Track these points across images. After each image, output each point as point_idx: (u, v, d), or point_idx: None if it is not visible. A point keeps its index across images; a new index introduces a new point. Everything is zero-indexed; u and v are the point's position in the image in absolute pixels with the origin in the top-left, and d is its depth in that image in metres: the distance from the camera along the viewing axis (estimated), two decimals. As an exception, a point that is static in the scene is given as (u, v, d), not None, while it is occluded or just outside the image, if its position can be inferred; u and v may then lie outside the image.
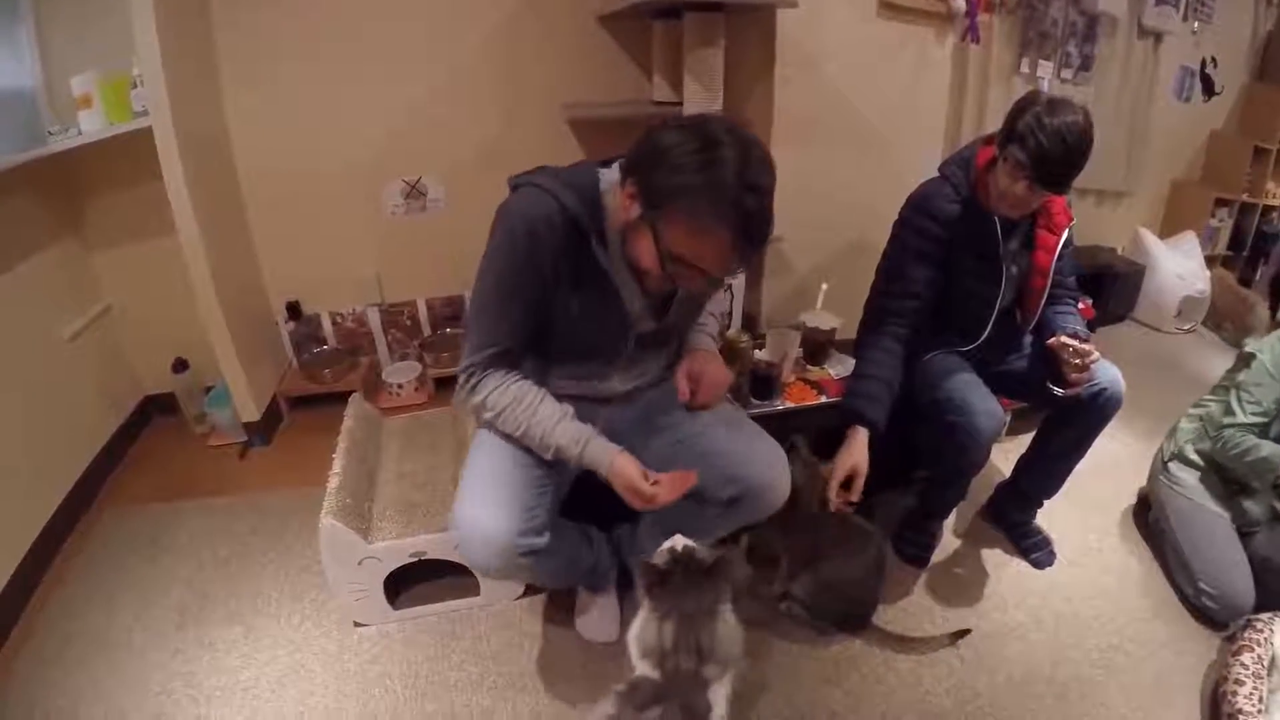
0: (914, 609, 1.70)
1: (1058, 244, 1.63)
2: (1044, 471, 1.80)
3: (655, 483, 1.22)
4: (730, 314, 2.07)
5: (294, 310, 2.32)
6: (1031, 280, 1.68)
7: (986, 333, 1.70)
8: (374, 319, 2.41)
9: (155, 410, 2.38)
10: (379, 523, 1.57)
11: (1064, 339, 1.55)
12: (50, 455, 1.93)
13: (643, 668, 1.11)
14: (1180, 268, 2.81)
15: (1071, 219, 1.65)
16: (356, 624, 1.63)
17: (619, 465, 1.22)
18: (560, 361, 1.33)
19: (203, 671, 1.53)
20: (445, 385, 2.41)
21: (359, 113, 2.15)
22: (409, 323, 2.46)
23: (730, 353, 1.76)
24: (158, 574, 1.79)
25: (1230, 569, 1.65)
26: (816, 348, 1.82)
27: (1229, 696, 1.45)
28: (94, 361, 2.15)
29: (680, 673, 1.07)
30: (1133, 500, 2.05)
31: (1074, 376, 1.54)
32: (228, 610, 1.68)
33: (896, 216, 1.70)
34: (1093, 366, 1.54)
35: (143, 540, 1.90)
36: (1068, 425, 1.69)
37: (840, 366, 1.84)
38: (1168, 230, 2.94)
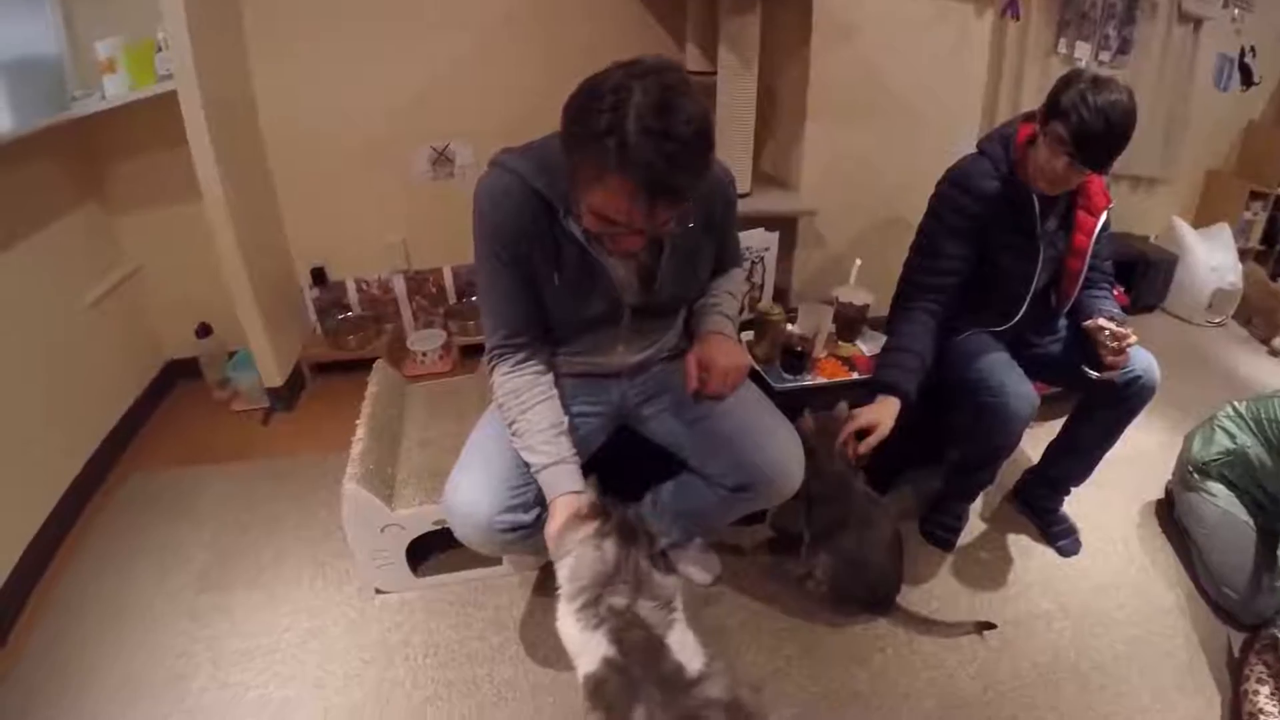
0: (939, 592, 1.68)
1: (1096, 226, 1.60)
2: (1074, 458, 1.77)
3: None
4: (762, 286, 2.04)
5: (319, 276, 2.31)
6: (1068, 262, 1.65)
7: (1021, 313, 1.67)
8: (399, 286, 2.40)
9: (178, 375, 2.39)
10: (402, 490, 1.56)
11: (1101, 321, 1.53)
12: (73, 420, 1.93)
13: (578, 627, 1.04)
14: (1213, 259, 2.75)
15: (1110, 201, 1.62)
16: (378, 591, 1.63)
17: (557, 506, 1.17)
18: (563, 338, 1.32)
19: (223, 636, 1.54)
20: (471, 353, 2.40)
21: (387, 78, 2.13)
22: (434, 290, 2.45)
23: (762, 325, 1.74)
24: (179, 538, 1.80)
25: (1253, 573, 1.61)
26: (849, 324, 1.79)
27: (1250, 695, 1.43)
28: (117, 327, 2.15)
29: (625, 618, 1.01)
30: (1158, 493, 2.02)
31: (1110, 360, 1.52)
32: (248, 576, 1.69)
33: (933, 192, 1.67)
34: (1129, 351, 1.52)
35: (164, 505, 1.91)
36: (1100, 411, 1.66)
37: (872, 343, 1.81)
38: (1201, 221, 2.88)
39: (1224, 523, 1.70)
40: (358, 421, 1.68)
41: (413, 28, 2.09)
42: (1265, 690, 1.44)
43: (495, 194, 1.14)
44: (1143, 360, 1.58)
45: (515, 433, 1.23)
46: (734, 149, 2.02)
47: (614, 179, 0.96)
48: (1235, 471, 1.73)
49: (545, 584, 1.65)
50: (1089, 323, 1.55)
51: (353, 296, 2.39)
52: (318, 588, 1.66)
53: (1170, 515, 1.94)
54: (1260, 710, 1.40)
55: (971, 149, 1.64)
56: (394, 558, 1.58)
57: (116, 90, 1.86)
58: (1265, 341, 2.76)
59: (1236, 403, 1.83)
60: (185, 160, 1.87)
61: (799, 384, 1.70)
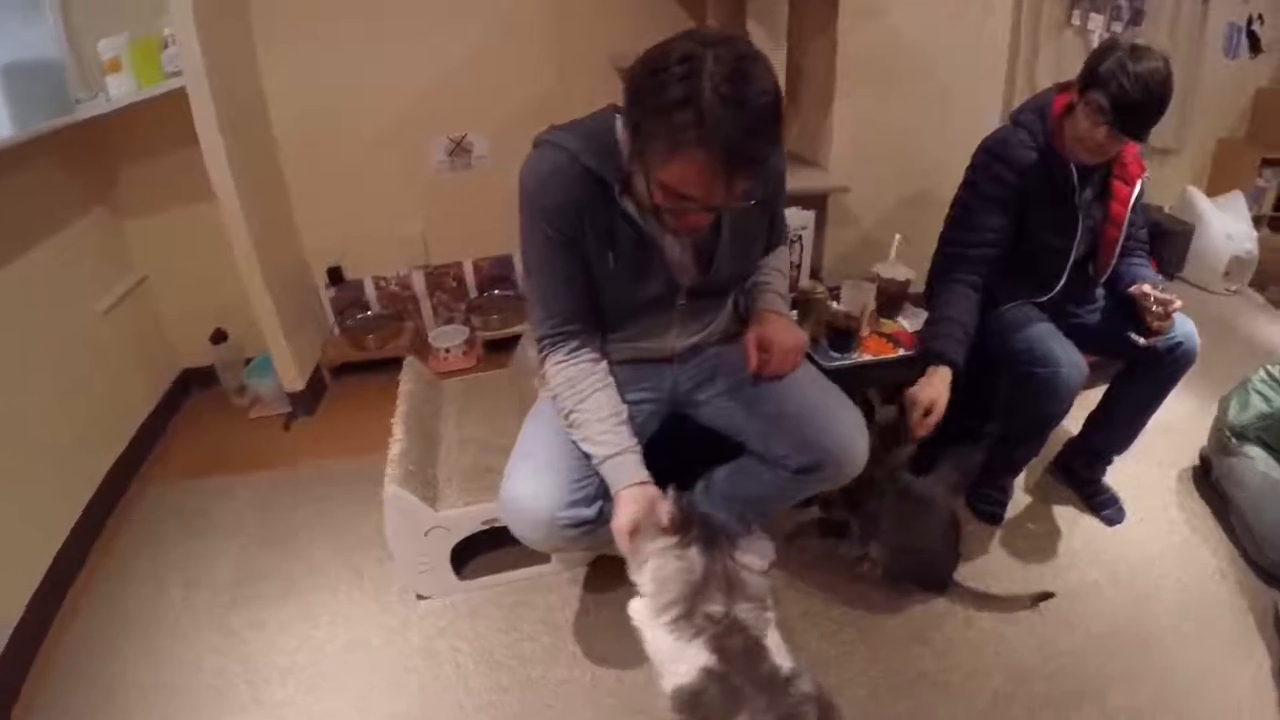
0: (991, 566, 1.67)
1: (1131, 195, 1.60)
2: (1116, 427, 1.77)
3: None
4: (800, 265, 2.01)
5: (335, 275, 2.26)
6: (1106, 231, 1.64)
7: (1061, 284, 1.65)
8: (418, 282, 2.35)
9: (194, 383, 2.33)
10: (445, 490, 1.52)
11: (1146, 288, 1.54)
12: (88, 433, 1.87)
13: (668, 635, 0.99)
14: (1229, 227, 2.76)
15: (1145, 170, 1.62)
16: (419, 596, 1.59)
17: (623, 498, 1.11)
18: (615, 323, 1.27)
19: (258, 653, 1.49)
20: (495, 348, 2.36)
21: (399, 68, 2.08)
22: (455, 285, 2.40)
23: (805, 305, 1.71)
24: (204, 552, 1.75)
25: None
26: (891, 300, 1.77)
27: None
28: (130, 335, 2.09)
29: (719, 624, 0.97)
30: (1193, 460, 2.02)
31: (1157, 325, 1.53)
32: (280, 588, 1.64)
33: (968, 164, 1.66)
34: (1173, 316, 1.52)
35: (187, 517, 1.85)
36: (1142, 379, 1.66)
37: (914, 319, 1.79)
38: (1214, 189, 2.89)
39: (1264, 486, 1.70)
40: (393, 420, 1.63)
41: (425, 16, 2.04)
42: None
43: (544, 173, 1.10)
44: (1184, 326, 1.58)
45: (573, 424, 1.19)
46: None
47: (691, 153, 0.91)
48: (1273, 434, 1.73)
49: (595, 580, 1.62)
50: (1135, 288, 1.55)
51: (371, 295, 2.34)
52: (355, 597, 1.61)
53: (1207, 481, 1.95)
54: None
55: (996, 123, 1.64)
56: (437, 561, 1.54)
57: (122, 90, 1.80)
58: (1276, 304, 2.78)
59: (1270, 366, 1.83)
60: (196, 161, 1.82)
61: (848, 362, 1.68)
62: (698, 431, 1.40)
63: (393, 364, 2.18)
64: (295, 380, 2.11)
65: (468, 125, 2.18)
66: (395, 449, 1.53)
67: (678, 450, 1.37)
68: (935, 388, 1.50)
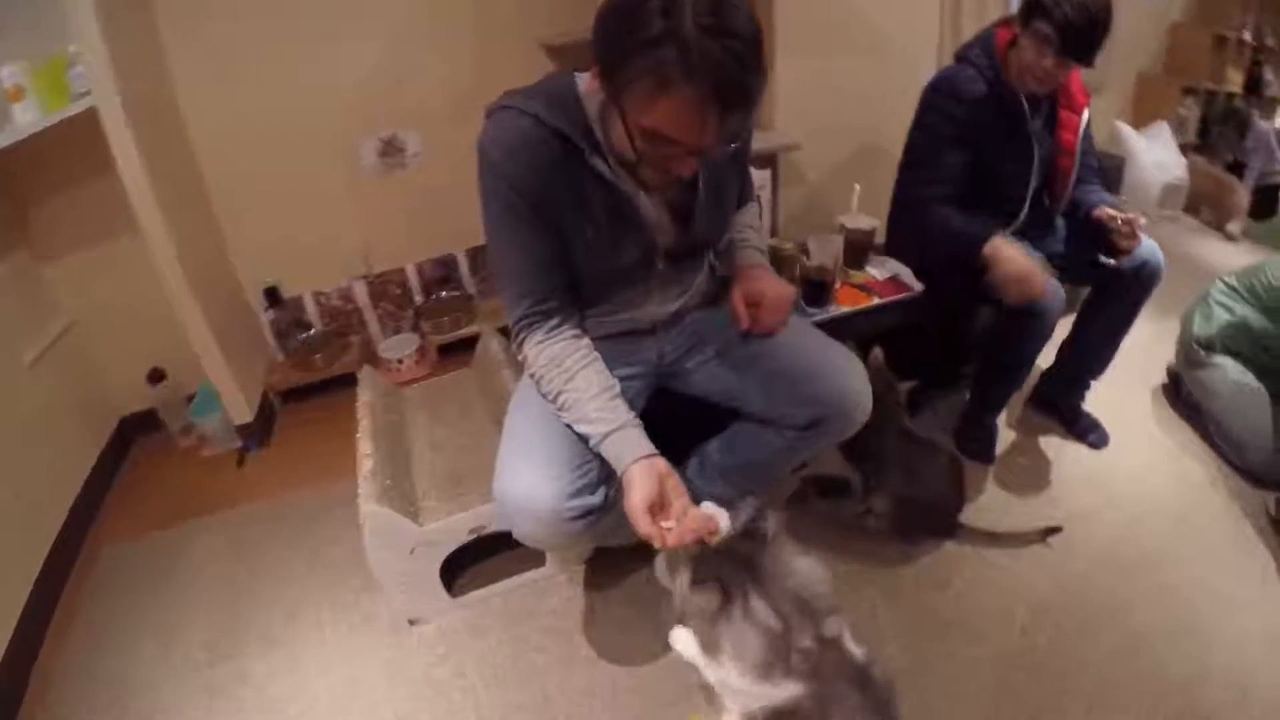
0: (990, 504, 1.66)
1: (1080, 123, 1.63)
2: (1091, 352, 1.79)
3: (667, 523, 0.98)
4: (763, 225, 1.96)
5: (273, 295, 2.13)
6: (1059, 161, 1.67)
7: (1024, 214, 1.67)
8: (361, 293, 2.23)
9: (136, 430, 2.16)
10: (426, 502, 1.43)
11: (1110, 211, 1.56)
12: (28, 499, 1.70)
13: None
14: (1157, 156, 2.86)
15: (1090, 97, 1.65)
16: (412, 622, 1.48)
17: (634, 474, 1.00)
18: (592, 295, 1.20)
19: (249, 710, 1.37)
20: (448, 352, 2.26)
21: (319, 68, 1.95)
22: (399, 292, 2.29)
23: (777, 262, 1.67)
24: (174, 608, 1.61)
25: (1276, 435, 1.67)
26: (857, 250, 1.76)
27: None
28: (61, 386, 1.91)
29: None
30: (1161, 379, 2.07)
31: (1125, 244, 1.55)
32: (261, 635, 1.52)
33: (919, 106, 1.66)
34: (1139, 234, 1.54)
35: (149, 574, 1.71)
36: (1112, 302, 1.68)
37: (880, 268, 1.78)
38: (1139, 122, 2.97)
39: (1238, 392, 1.74)
40: (358, 436, 1.53)
41: (342, 12, 1.93)
42: None
43: (509, 141, 1.00)
44: (1147, 245, 1.60)
45: (563, 405, 1.10)
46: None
47: (680, 89, 0.84)
48: (1239, 342, 1.77)
49: (595, 577, 1.55)
50: (1098, 212, 1.57)
51: (312, 312, 2.21)
52: (342, 633, 1.50)
53: (1179, 397, 1.99)
54: None
55: (933, 70, 1.65)
56: (427, 580, 1.44)
57: (28, 119, 1.63)
58: (1219, 228, 2.88)
59: (1225, 278, 1.88)
60: (112, 190, 1.67)
61: (826, 315, 1.65)
62: (681, 406, 1.34)
63: (343, 382, 2.09)
64: (243, 412, 1.98)
65: (396, 123, 2.07)
66: (366, 466, 1.43)
67: (660, 428, 1.30)
68: (1013, 253, 1.48)
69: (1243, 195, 2.82)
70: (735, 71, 0.83)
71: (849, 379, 1.21)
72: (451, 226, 2.15)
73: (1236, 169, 2.93)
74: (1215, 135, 3.07)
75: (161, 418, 2.07)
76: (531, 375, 1.14)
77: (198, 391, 2.03)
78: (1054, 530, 1.56)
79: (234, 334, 2.02)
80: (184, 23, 1.85)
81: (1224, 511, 1.65)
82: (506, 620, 1.47)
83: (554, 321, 1.12)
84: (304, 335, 2.20)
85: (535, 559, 1.52)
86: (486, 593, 1.52)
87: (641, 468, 1.01)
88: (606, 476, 1.12)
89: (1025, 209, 1.66)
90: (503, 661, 1.39)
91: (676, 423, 1.31)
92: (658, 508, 0.99)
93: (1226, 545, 1.56)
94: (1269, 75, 2.80)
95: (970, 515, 1.59)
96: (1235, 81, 2.89)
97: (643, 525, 0.97)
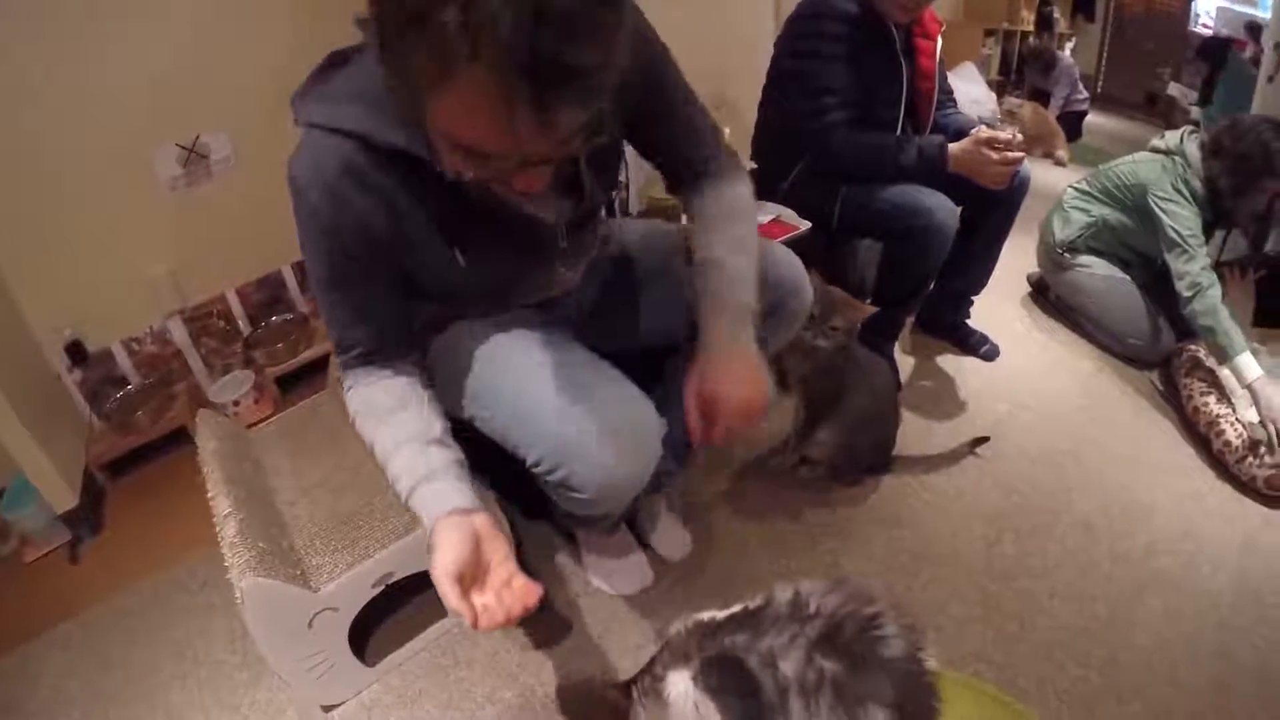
0: (912, 432, 1.65)
1: (935, 49, 1.67)
2: (973, 267, 1.84)
3: (481, 598, 0.76)
4: (628, 186, 1.82)
5: (76, 352, 1.68)
6: (920, 85, 1.68)
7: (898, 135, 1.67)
8: (178, 331, 1.82)
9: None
10: (314, 559, 1.14)
11: (985, 131, 1.55)
12: None
13: None
14: (970, 94, 3.10)
15: (942, 25, 1.68)
16: (325, 709, 1.19)
17: (439, 533, 0.77)
18: (486, 308, 1.01)
19: None
20: (290, 383, 1.92)
21: (96, 69, 1.52)
22: (223, 325, 1.90)
23: (660, 212, 1.56)
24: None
25: (1149, 319, 1.82)
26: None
27: (1201, 409, 1.60)
28: None
29: None
30: (1025, 289, 2.22)
31: (1012, 158, 1.54)
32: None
33: (789, 36, 1.63)
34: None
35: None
36: (988, 216, 1.72)
37: (760, 212, 1.72)
38: (947, 65, 3.22)
39: (1109, 286, 1.88)
40: (210, 495, 1.20)
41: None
42: (1212, 399, 1.59)
43: (327, 178, 0.77)
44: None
45: (378, 459, 0.88)
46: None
47: (467, 74, 0.58)
48: (1101, 239, 1.91)
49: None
50: (979, 132, 1.56)
51: (125, 364, 1.77)
52: None
53: (1047, 301, 2.13)
54: (1218, 416, 1.55)
55: (771, 20, 1.62)
56: (335, 655, 1.15)
57: None
58: (1048, 155, 3.18)
59: (1075, 184, 2.02)
60: None
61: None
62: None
63: (175, 440, 1.75)
64: (66, 497, 1.54)
65: (198, 124, 1.69)
66: (230, 529, 1.11)
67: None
68: (968, 143, 1.50)
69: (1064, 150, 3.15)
70: (543, 38, 0.55)
71: (791, 262, 1.11)
72: (273, 240, 1.80)
73: (1039, 99, 3.26)
74: (1025, 70, 3.39)
75: (-33, 524, 1.56)
76: (351, 423, 0.91)
77: (7, 485, 1.57)
78: (982, 440, 1.58)
79: (38, 406, 1.57)
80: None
81: (1119, 394, 1.77)
82: (439, 677, 1.22)
83: (373, 364, 0.90)
84: (120, 394, 1.77)
85: (439, 611, 1.26)
86: (406, 652, 1.25)
87: (449, 525, 0.78)
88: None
89: (898, 132, 1.66)
90: (450, 724, 1.15)
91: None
92: (470, 577, 0.76)
93: (1131, 422, 1.68)
94: (1056, 14, 3.18)
95: (898, 446, 1.57)
96: (1029, 21, 3.22)
97: (450, 598, 0.73)
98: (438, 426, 0.88)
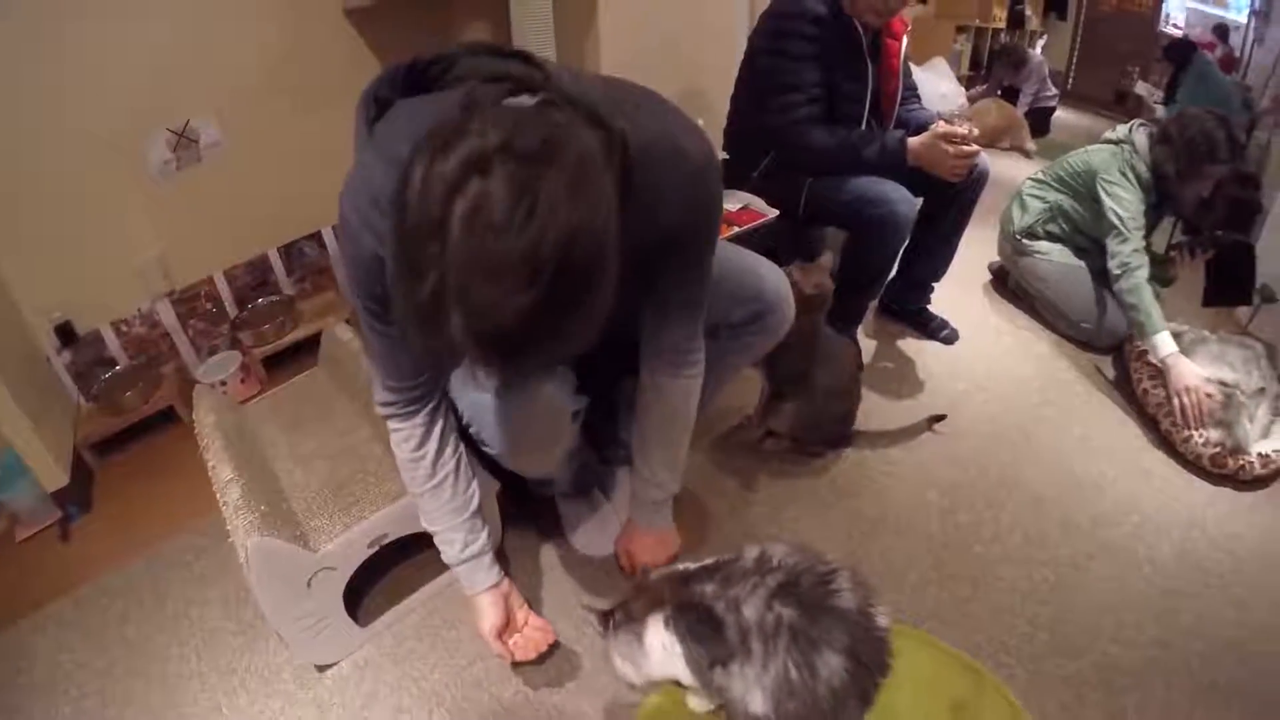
0: (873, 409, 1.73)
1: (901, 47, 1.73)
2: (933, 255, 1.93)
3: (513, 639, 1.17)
4: None
5: (66, 333, 1.72)
6: (884, 85, 1.75)
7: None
8: (166, 313, 1.87)
9: (-74, 529, 1.64)
10: (312, 522, 1.21)
11: (943, 125, 1.61)
12: None
13: None
14: (940, 89, 3.20)
15: (907, 25, 1.75)
16: (319, 668, 1.25)
17: (484, 603, 1.14)
18: None
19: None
20: (276, 364, 1.97)
21: (86, 55, 1.56)
22: (210, 307, 1.95)
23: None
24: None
25: (1099, 304, 1.93)
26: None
27: (1150, 392, 1.70)
28: None
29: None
30: (986, 276, 2.33)
31: (969, 153, 1.61)
32: (144, 733, 1.20)
33: (761, 35, 1.68)
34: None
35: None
36: (949, 206, 1.80)
37: (730, 200, 1.80)
38: (918, 60, 3.30)
39: (1062, 272, 1.99)
40: (212, 463, 1.26)
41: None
42: (1160, 382, 1.70)
43: (358, 201, 0.80)
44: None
45: (421, 509, 1.14)
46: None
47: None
48: (1057, 225, 2.01)
49: (517, 559, 1.40)
50: (938, 127, 1.62)
51: (114, 346, 1.82)
52: (242, 705, 1.21)
53: (1006, 288, 2.24)
54: (1166, 398, 1.65)
55: (746, 16, 1.67)
56: (331, 614, 1.22)
57: None
58: (1017, 149, 3.29)
59: (1032, 175, 2.13)
60: None
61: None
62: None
63: (163, 420, 1.81)
64: (56, 476, 1.58)
65: (188, 109, 1.73)
66: (233, 494, 1.18)
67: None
68: (928, 138, 1.59)
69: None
70: (490, 307, 0.59)
71: (776, 276, 1.20)
72: (260, 224, 1.86)
73: (1009, 95, 3.36)
74: (995, 67, 3.49)
75: (-43, 505, 1.60)
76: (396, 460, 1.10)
77: (-4, 464, 1.61)
78: (939, 417, 1.67)
79: (29, 386, 1.61)
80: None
81: (1072, 377, 1.88)
82: (431, 636, 1.29)
83: (418, 409, 1.04)
84: (109, 374, 1.81)
85: (441, 563, 1.34)
86: (400, 610, 1.32)
87: (491, 597, 1.14)
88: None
89: (862, 127, 1.73)
90: (443, 685, 1.20)
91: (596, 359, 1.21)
92: (503, 628, 1.14)
93: (1083, 403, 1.78)
94: (1028, 11, 3.27)
95: (859, 422, 1.65)
96: (1000, 18, 3.32)
97: (495, 648, 1.13)
98: (473, 490, 1.12)
